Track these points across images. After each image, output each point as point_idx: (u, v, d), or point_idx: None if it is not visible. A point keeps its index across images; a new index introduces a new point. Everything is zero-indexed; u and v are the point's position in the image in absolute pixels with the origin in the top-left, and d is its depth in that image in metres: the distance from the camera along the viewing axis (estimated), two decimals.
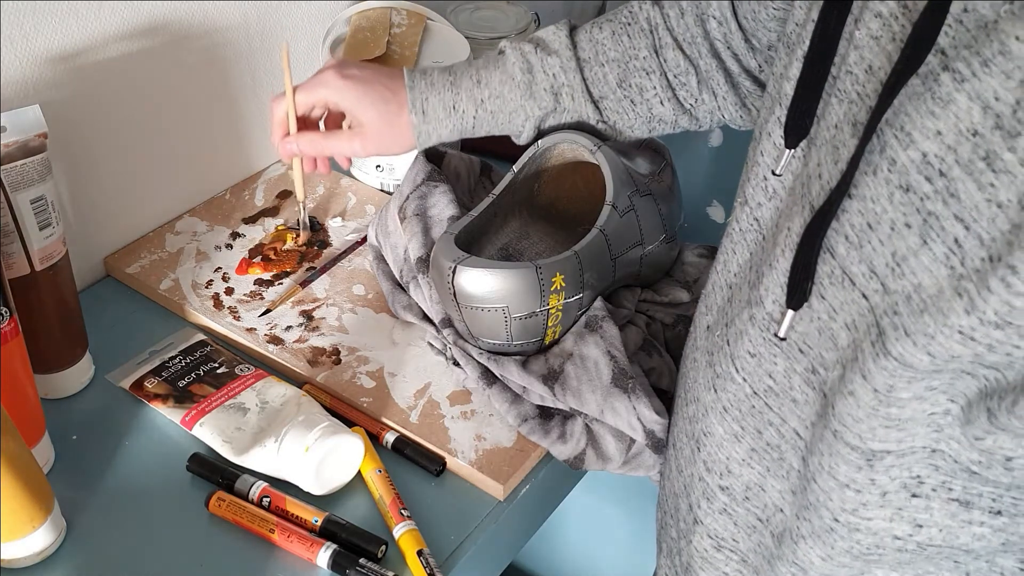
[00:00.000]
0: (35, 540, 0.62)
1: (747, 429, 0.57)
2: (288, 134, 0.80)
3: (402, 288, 0.83)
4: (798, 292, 0.50)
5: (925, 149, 0.42)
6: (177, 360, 0.77)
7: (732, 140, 1.12)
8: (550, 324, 0.73)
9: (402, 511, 0.67)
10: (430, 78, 0.77)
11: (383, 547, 0.65)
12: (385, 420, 0.74)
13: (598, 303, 0.75)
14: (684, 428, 0.64)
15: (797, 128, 0.52)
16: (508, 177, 0.80)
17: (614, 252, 0.76)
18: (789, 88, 0.53)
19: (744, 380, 0.56)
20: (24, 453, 0.60)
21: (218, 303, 0.84)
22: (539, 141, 0.80)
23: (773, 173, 0.54)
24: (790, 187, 0.53)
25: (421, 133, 0.77)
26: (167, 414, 0.73)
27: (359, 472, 0.70)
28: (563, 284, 0.72)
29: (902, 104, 0.43)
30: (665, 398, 0.75)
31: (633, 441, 0.71)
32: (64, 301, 0.73)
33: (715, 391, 0.59)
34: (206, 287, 0.85)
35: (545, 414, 0.73)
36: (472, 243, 0.77)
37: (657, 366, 0.76)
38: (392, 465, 0.71)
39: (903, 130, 0.43)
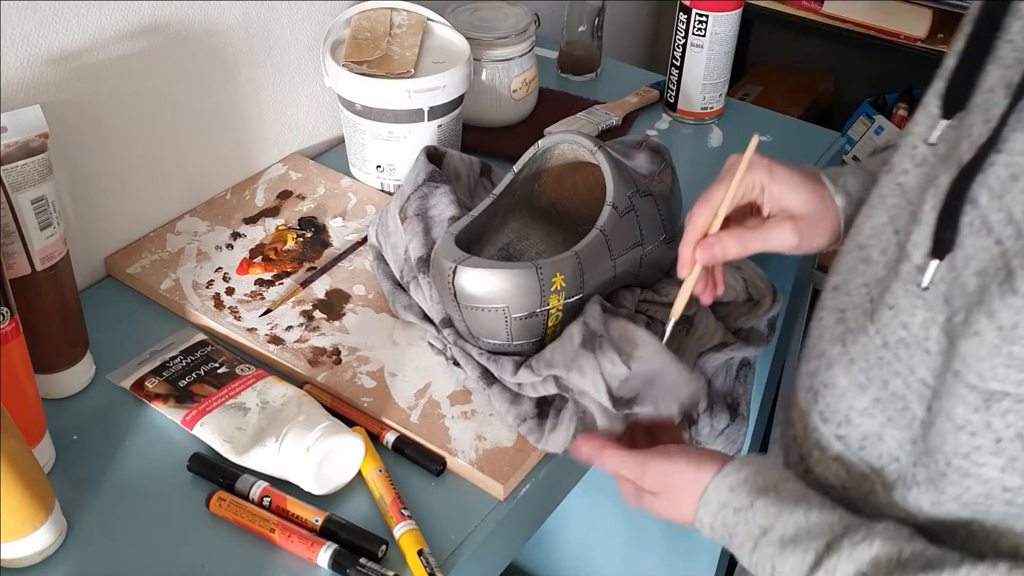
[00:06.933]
0: (36, 540, 0.62)
1: (872, 380, 0.58)
2: (704, 236, 0.69)
3: (402, 288, 0.83)
4: (942, 241, 0.52)
5: None
6: (178, 360, 0.78)
7: (732, 140, 1.12)
8: (550, 324, 0.73)
9: (402, 511, 0.67)
10: (838, 173, 0.72)
11: (383, 547, 0.65)
12: (385, 420, 0.74)
13: (593, 302, 0.75)
14: (802, 383, 0.66)
15: (955, 99, 0.55)
16: (508, 177, 0.80)
17: (614, 252, 0.76)
18: (951, 61, 0.56)
19: (877, 332, 0.57)
20: (25, 453, 0.60)
21: (219, 303, 0.84)
22: (539, 141, 0.80)
23: (925, 142, 0.57)
24: (943, 154, 0.55)
25: (847, 217, 0.70)
26: (168, 414, 0.73)
27: (359, 472, 0.70)
28: (563, 284, 0.72)
29: None
30: None
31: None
32: (65, 301, 0.73)
33: (844, 344, 0.60)
34: (207, 287, 0.85)
35: (543, 414, 0.74)
36: (472, 243, 0.77)
37: None
38: (392, 465, 0.71)
39: None
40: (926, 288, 0.54)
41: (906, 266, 0.55)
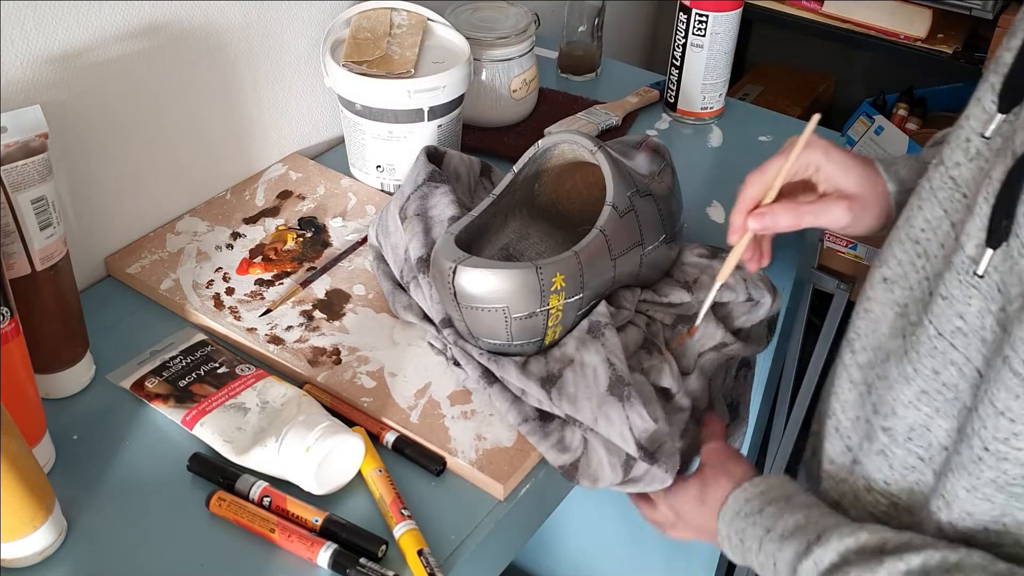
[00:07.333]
0: (36, 540, 0.62)
1: (920, 371, 0.59)
2: (756, 208, 0.71)
3: (402, 288, 0.83)
4: (998, 230, 0.52)
5: None
6: (178, 360, 0.78)
7: (732, 140, 1.12)
8: (550, 324, 0.73)
9: (402, 511, 0.67)
10: (891, 162, 0.74)
11: (383, 547, 0.65)
12: (385, 420, 0.74)
13: (602, 308, 0.75)
14: (849, 375, 0.67)
15: (1013, 94, 0.55)
16: (508, 177, 0.80)
17: (614, 252, 0.76)
18: (1009, 57, 0.56)
19: (930, 322, 0.58)
20: (25, 453, 0.60)
21: (219, 303, 0.84)
22: (539, 141, 0.80)
23: (981, 135, 0.58)
24: (997, 148, 0.56)
25: (898, 203, 0.72)
26: (168, 414, 0.73)
27: (359, 472, 0.70)
28: (563, 284, 0.72)
29: None
30: (666, 396, 0.75)
31: (631, 460, 0.71)
32: (65, 301, 0.73)
33: (903, 337, 0.61)
34: (207, 287, 0.85)
35: (545, 416, 0.74)
36: (472, 243, 0.77)
37: (656, 364, 0.76)
38: (392, 465, 0.71)
39: None
40: (982, 276, 0.54)
41: (959, 256, 0.56)
